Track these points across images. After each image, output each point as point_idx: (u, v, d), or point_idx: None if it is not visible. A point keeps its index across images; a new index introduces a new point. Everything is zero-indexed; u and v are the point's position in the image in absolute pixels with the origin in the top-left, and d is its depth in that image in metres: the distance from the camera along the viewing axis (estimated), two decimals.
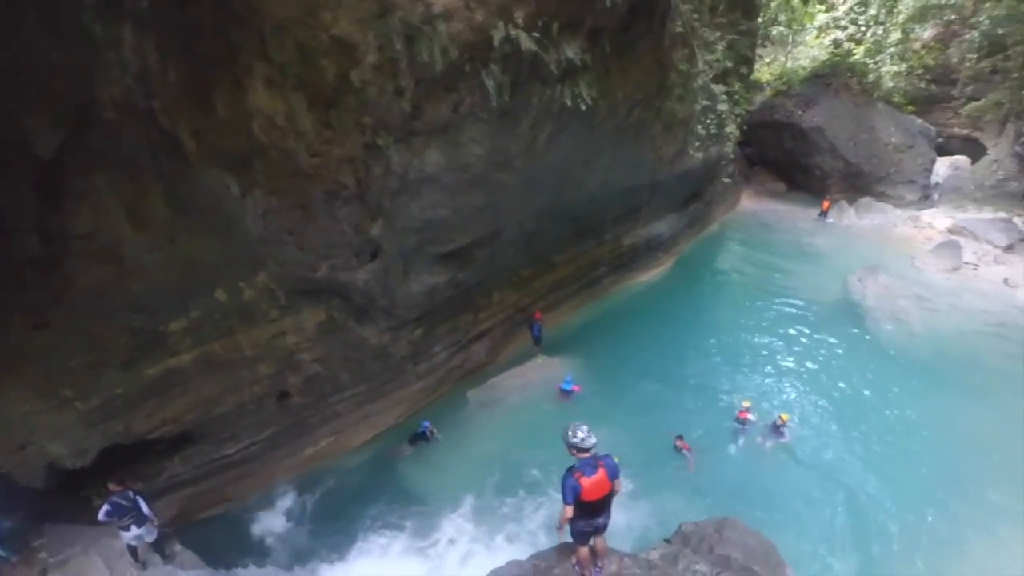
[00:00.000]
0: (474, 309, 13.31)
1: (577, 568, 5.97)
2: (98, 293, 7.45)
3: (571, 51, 9.16)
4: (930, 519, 10.34)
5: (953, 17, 29.93)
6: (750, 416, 12.46)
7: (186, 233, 7.75)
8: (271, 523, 10.31)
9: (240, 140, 7.23)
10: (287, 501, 10.70)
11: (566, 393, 13.50)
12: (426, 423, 12.23)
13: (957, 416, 12.93)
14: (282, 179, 7.77)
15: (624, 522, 9.62)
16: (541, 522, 10.12)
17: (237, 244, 8.22)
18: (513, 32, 7.96)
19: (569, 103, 9.81)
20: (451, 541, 9.95)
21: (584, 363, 14.36)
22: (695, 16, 13.86)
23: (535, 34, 8.27)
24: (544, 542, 8.68)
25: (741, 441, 12.38)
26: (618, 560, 6.25)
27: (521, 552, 7.66)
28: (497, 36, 7.82)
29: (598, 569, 5.99)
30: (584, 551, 5.84)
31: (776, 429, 12.17)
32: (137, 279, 7.62)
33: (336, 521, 10.44)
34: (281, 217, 8.20)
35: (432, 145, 8.80)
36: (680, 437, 11.81)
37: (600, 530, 5.71)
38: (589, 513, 5.46)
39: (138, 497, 7.75)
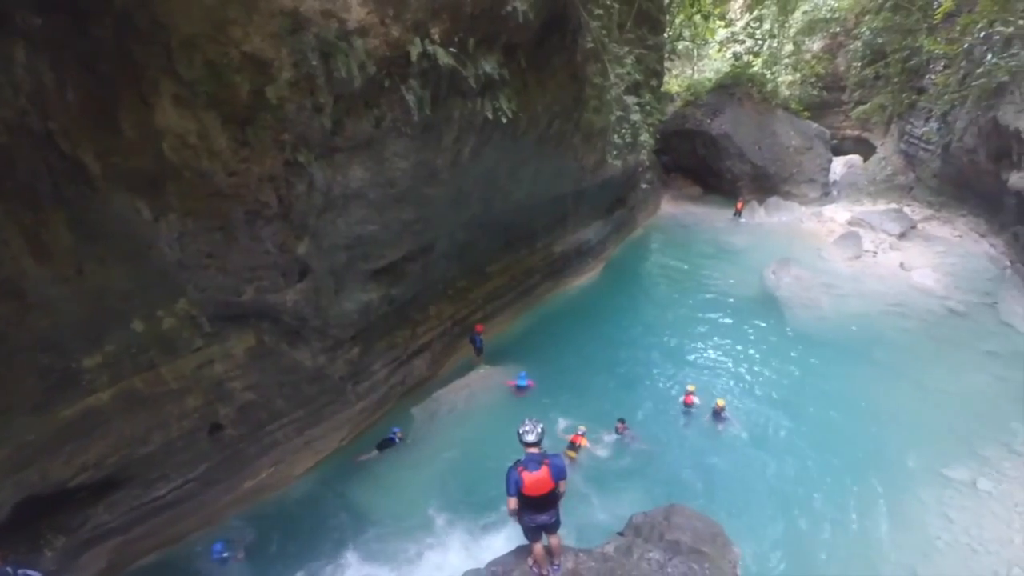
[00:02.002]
0: (411, 324, 13.22)
1: (534, 568, 6.07)
2: None
3: (488, 66, 9.43)
4: (856, 487, 11.08)
5: (838, 29, 33.07)
6: (695, 400, 13.14)
7: (95, 262, 7.31)
8: (213, 566, 9.74)
9: (149, 161, 6.93)
10: (230, 540, 10.12)
11: (521, 389, 13.80)
12: (396, 429, 12.38)
13: (869, 388, 14.04)
14: (198, 200, 7.50)
15: (577, 519, 9.82)
16: (498, 529, 10.11)
17: (152, 271, 7.83)
18: (430, 48, 8.13)
19: (490, 116, 10.06)
20: (409, 561, 9.77)
21: (527, 368, 14.56)
22: (604, 32, 14.54)
23: (452, 50, 8.49)
24: (502, 548, 8.69)
25: (688, 426, 12.98)
26: (574, 556, 6.37)
27: (480, 560, 7.64)
28: (414, 52, 7.97)
29: (555, 567, 6.10)
30: (538, 549, 5.96)
31: (716, 414, 12.84)
32: (42, 314, 7.09)
33: (285, 557, 10.00)
34: (199, 240, 7.88)
35: (356, 161, 8.79)
36: (621, 420, 12.28)
37: (550, 529, 5.85)
38: (533, 508, 5.61)
39: (20, 570, 7.07)
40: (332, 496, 11.22)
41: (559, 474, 5.47)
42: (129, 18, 6.05)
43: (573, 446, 11.87)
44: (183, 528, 10.19)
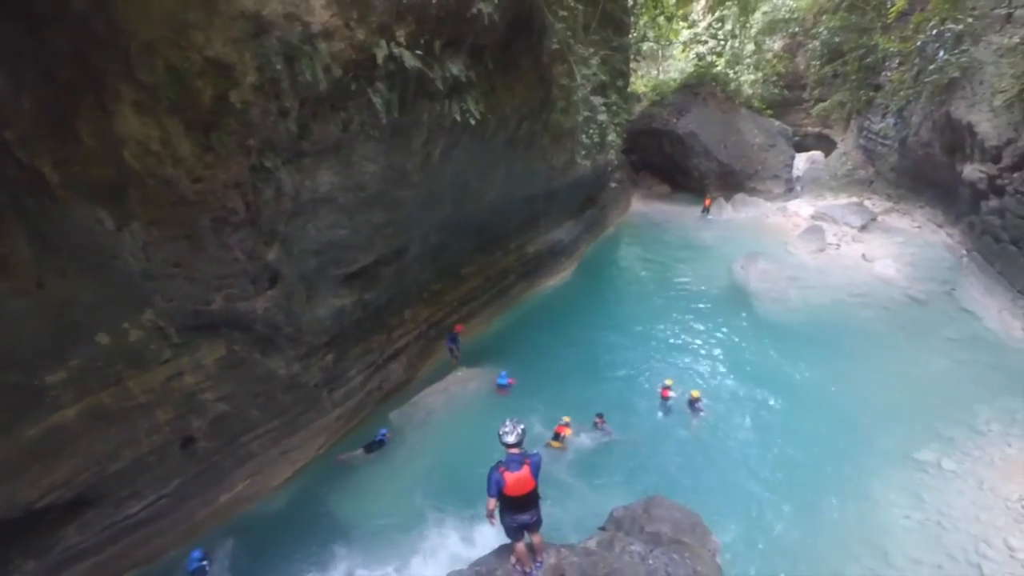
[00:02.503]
0: (386, 329, 13.13)
1: (518, 566, 6.13)
2: None
3: (455, 68, 9.47)
4: (828, 470, 11.38)
5: (797, 29, 34.02)
6: (672, 394, 13.38)
7: (56, 274, 7.08)
8: None
9: (110, 169, 6.77)
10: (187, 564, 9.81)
11: (503, 388, 13.95)
12: (384, 430, 12.41)
13: (837, 375, 14.44)
14: (162, 208, 7.34)
15: (560, 515, 9.95)
16: (481, 530, 10.07)
17: (117, 282, 7.61)
18: (396, 50, 8.15)
19: (459, 118, 10.11)
20: (394, 566, 9.71)
21: (506, 368, 14.66)
22: (570, 34, 14.72)
23: (418, 52, 8.51)
24: (487, 547, 8.70)
25: (665, 418, 13.19)
26: (556, 552, 6.43)
27: (463, 561, 7.65)
28: (380, 54, 7.98)
29: (538, 564, 6.17)
30: (520, 547, 6.04)
31: (692, 405, 13.08)
32: (2, 330, 6.86)
33: (266, 569, 9.83)
34: (165, 249, 7.71)
35: (324, 165, 8.75)
36: (599, 415, 12.49)
37: (532, 527, 5.96)
38: (514, 508, 5.72)
39: None
40: (312, 506, 11.06)
41: (538, 468, 5.61)
42: (86, 23, 5.93)
43: (558, 436, 12.10)
44: (158, 546, 9.91)
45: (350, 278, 10.98)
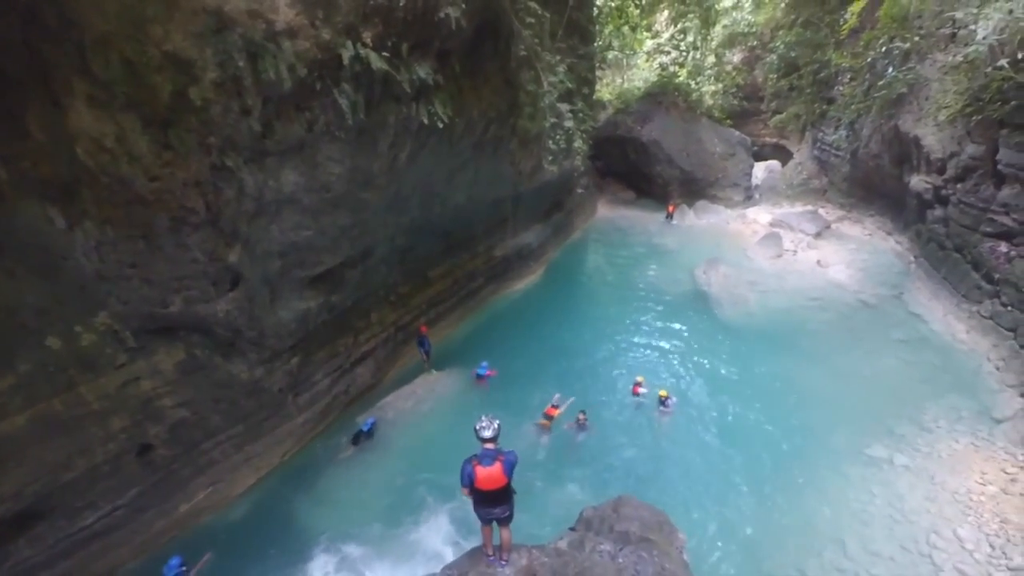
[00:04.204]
0: (353, 331, 12.95)
1: (486, 550, 6.30)
2: None
3: (423, 71, 9.51)
4: (790, 466, 11.71)
5: (755, 43, 35.10)
6: (642, 391, 13.73)
7: (2, 275, 6.78)
8: None
9: (62, 166, 6.54)
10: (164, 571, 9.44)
11: (481, 378, 14.22)
12: (371, 419, 12.52)
13: (794, 376, 14.92)
14: (117, 207, 7.11)
15: (530, 518, 9.91)
16: (451, 533, 10.12)
17: (68, 283, 7.32)
18: (362, 51, 8.13)
19: (426, 121, 10.13)
20: (373, 573, 9.55)
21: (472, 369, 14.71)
22: (537, 41, 14.95)
23: (385, 54, 8.51)
24: (458, 551, 8.66)
25: (635, 416, 13.46)
26: (527, 553, 6.47)
27: (435, 566, 7.62)
28: (346, 55, 7.95)
29: (503, 563, 6.23)
30: (486, 531, 6.20)
31: (660, 403, 13.37)
32: None
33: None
34: (119, 249, 7.45)
35: (288, 165, 8.62)
36: (583, 412, 12.75)
37: (503, 522, 6.04)
38: (486, 502, 5.82)
39: None
40: (278, 513, 10.79)
41: (510, 466, 5.66)
42: (35, 14, 5.73)
43: (547, 416, 12.67)
44: (115, 559, 9.48)
45: (315, 280, 10.80)
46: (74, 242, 7.10)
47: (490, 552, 6.26)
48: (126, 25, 6.07)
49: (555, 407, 12.89)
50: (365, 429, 12.28)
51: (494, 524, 6.08)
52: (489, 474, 5.55)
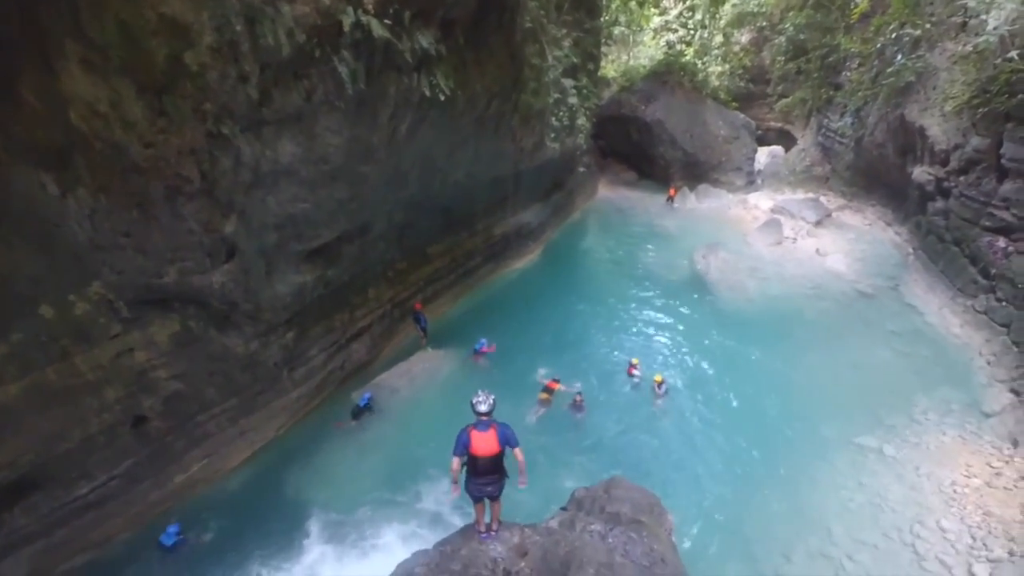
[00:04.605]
0: (349, 307, 12.86)
1: (478, 527, 6.48)
2: None
3: (425, 41, 9.26)
4: (780, 453, 11.87)
5: (764, 24, 34.41)
6: (637, 372, 13.86)
7: None
8: (146, 568, 9.25)
9: (55, 132, 6.35)
10: (162, 539, 9.57)
11: (478, 354, 14.39)
12: (367, 394, 12.53)
13: (789, 364, 15.01)
14: (111, 175, 6.93)
15: (522, 496, 10.01)
16: (445, 511, 10.21)
17: (61, 252, 7.17)
18: (363, 18, 7.90)
19: (428, 93, 9.91)
20: (361, 551, 9.61)
21: (474, 347, 14.74)
22: (543, 13, 14.61)
23: (387, 21, 8.26)
24: (452, 527, 8.75)
25: (630, 396, 13.62)
26: (519, 531, 6.53)
27: (428, 541, 7.69)
28: (347, 21, 7.73)
29: (492, 533, 6.39)
30: (479, 508, 6.38)
31: (654, 388, 13.42)
32: None
33: (226, 552, 9.57)
34: (113, 218, 7.29)
35: (285, 135, 8.44)
36: (579, 394, 12.85)
37: (492, 496, 6.17)
38: (478, 472, 5.90)
39: None
40: (272, 486, 10.85)
41: (505, 439, 5.81)
42: None
43: (548, 390, 12.92)
44: (110, 528, 9.50)
45: (312, 254, 10.67)
46: (67, 210, 6.94)
47: (482, 529, 6.40)
48: None
49: (556, 381, 13.10)
50: (362, 404, 12.31)
51: (486, 502, 6.23)
52: (484, 438, 5.71)
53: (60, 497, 8.65)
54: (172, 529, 9.48)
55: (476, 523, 6.47)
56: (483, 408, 5.75)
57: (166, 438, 9.78)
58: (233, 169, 7.90)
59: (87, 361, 8.17)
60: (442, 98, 10.02)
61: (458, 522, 9.22)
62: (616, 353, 15.45)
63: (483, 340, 14.63)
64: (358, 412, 12.23)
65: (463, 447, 5.73)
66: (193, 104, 6.93)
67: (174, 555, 9.41)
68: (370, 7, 7.90)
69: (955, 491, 10.49)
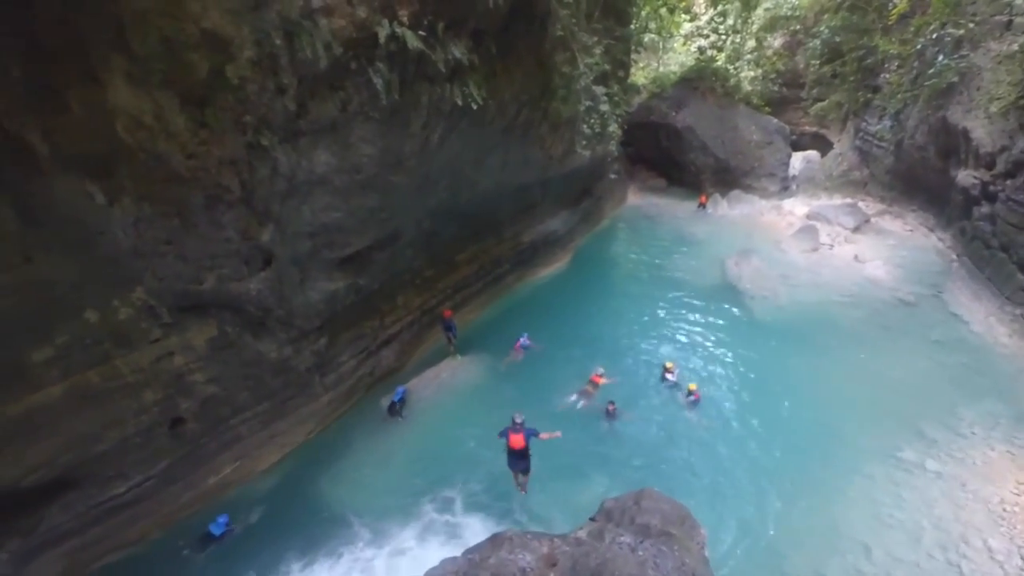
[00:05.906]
0: (379, 314, 13.02)
1: (517, 487, 10.47)
2: None
3: (458, 51, 9.32)
4: (816, 466, 11.47)
5: (798, 27, 33.62)
6: (671, 376, 13.84)
7: (42, 249, 6.88)
8: (179, 567, 9.47)
9: (101, 142, 6.58)
10: (195, 539, 9.84)
11: (521, 349, 15.10)
12: (401, 388, 12.94)
13: (825, 374, 14.52)
14: (154, 184, 7.17)
15: (552, 505, 10.35)
16: (473, 519, 10.20)
17: (106, 258, 7.43)
18: (399, 30, 7.99)
19: (460, 102, 9.97)
20: (390, 554, 9.68)
21: (503, 353, 14.79)
22: (573, 21, 14.56)
23: (421, 33, 8.35)
24: (480, 535, 8.73)
25: (661, 406, 13.45)
26: (548, 541, 6.44)
27: (456, 548, 7.69)
28: (382, 33, 7.83)
29: (524, 492, 10.44)
30: (516, 475, 10.24)
31: (687, 397, 13.22)
32: None
33: (256, 553, 9.73)
34: (156, 226, 7.55)
35: (321, 145, 8.59)
36: (612, 402, 12.79)
37: (523, 471, 10.00)
38: (513, 456, 9.71)
39: None
40: (302, 489, 10.99)
41: (529, 435, 9.48)
42: None
43: (593, 384, 13.55)
44: (143, 528, 9.78)
45: (343, 262, 10.84)
46: (112, 218, 7.19)
47: (520, 488, 10.35)
48: (163, 1, 6.03)
49: (600, 375, 13.61)
50: (396, 399, 12.51)
51: (519, 475, 10.10)
52: (515, 438, 9.45)
53: (96, 496, 8.94)
54: (222, 519, 9.91)
55: (516, 485, 10.42)
56: (518, 420, 9.44)
57: (200, 440, 10.03)
58: (270, 179, 8.09)
59: (128, 364, 8.44)
60: (474, 107, 10.07)
61: (486, 530, 9.19)
62: (647, 359, 15.26)
63: (525, 334, 15.03)
64: (393, 408, 12.44)
65: (504, 436, 9.54)
66: (233, 116, 7.12)
67: (219, 545, 9.78)
68: (405, 19, 7.99)
69: (1004, 509, 9.99)
